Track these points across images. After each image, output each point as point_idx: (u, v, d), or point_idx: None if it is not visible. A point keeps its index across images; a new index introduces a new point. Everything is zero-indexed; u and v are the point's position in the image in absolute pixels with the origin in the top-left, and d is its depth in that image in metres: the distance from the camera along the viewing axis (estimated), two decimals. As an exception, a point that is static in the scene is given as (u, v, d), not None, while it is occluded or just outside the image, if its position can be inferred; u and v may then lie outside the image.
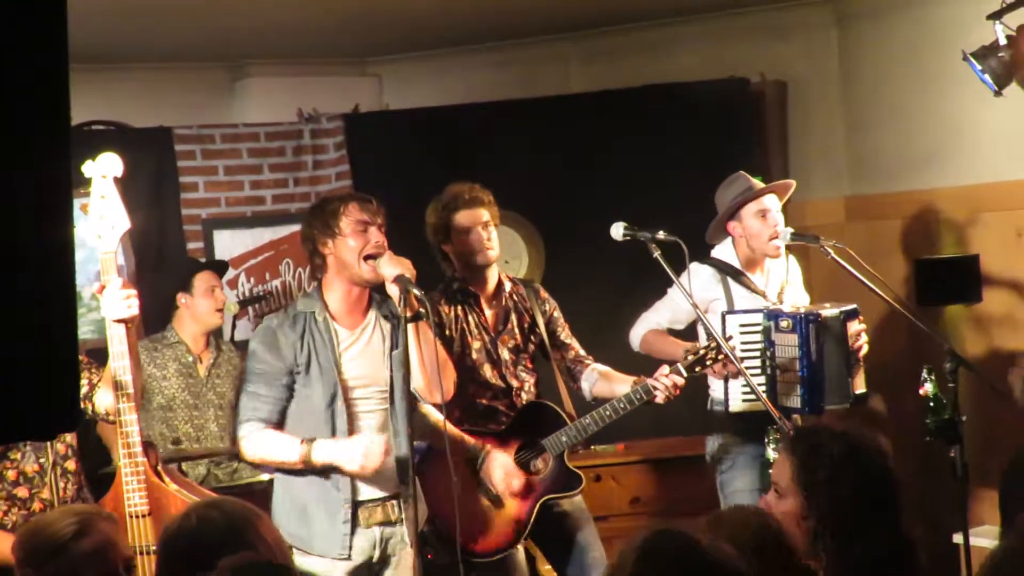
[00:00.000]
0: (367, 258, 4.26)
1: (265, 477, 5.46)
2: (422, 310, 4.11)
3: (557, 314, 5.14)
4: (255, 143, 7.04)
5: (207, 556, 2.70)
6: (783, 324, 5.01)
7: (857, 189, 6.87)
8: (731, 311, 5.13)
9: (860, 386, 5.07)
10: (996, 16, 5.24)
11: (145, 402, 5.59)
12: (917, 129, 6.41)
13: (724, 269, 5.26)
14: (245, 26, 6.61)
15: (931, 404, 4.90)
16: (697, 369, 4.82)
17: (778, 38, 7.02)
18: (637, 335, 5.33)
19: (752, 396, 4.86)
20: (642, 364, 5.23)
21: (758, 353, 5.01)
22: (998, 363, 5.83)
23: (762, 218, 5.22)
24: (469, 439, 4.77)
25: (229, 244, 6.95)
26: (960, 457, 4.93)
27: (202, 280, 5.89)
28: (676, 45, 7.12)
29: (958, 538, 5.26)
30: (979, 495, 5.78)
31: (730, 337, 4.95)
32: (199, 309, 5.87)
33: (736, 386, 5.05)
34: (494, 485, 4.79)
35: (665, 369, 4.80)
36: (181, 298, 5.89)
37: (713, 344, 4.77)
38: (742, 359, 4.83)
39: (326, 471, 4.27)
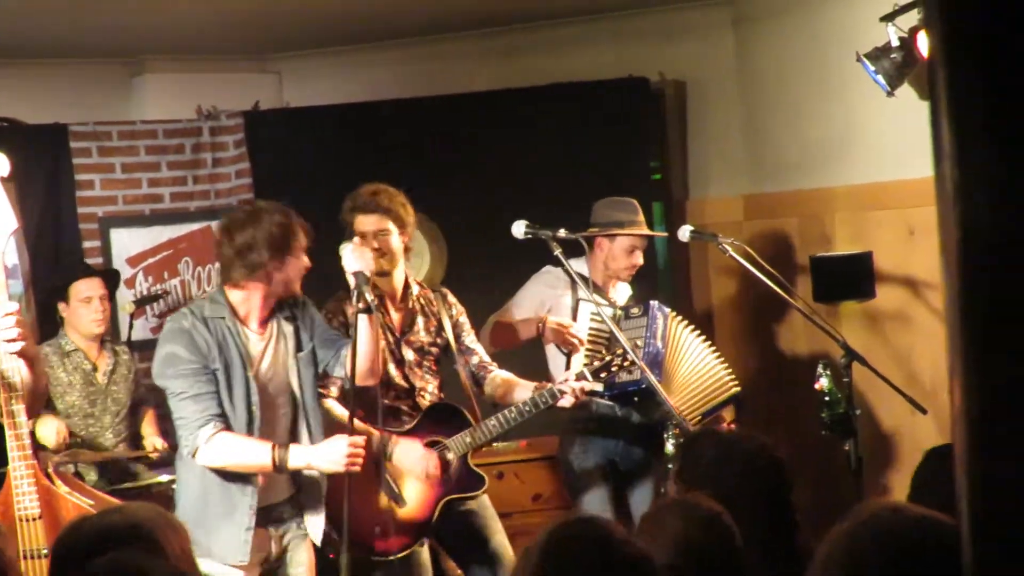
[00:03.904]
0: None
1: (164, 479, 5.40)
2: (371, 305, 4.19)
3: (463, 319, 5.17)
4: (153, 140, 6.95)
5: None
6: (634, 311, 5.27)
7: (755, 187, 6.97)
8: (583, 299, 5.29)
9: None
10: (889, 18, 5.35)
11: (47, 407, 5.50)
12: (813, 128, 6.52)
13: (581, 281, 5.38)
14: (143, 21, 6.52)
15: (826, 399, 4.99)
16: (603, 375, 4.92)
17: (677, 38, 7.09)
18: (485, 334, 5.36)
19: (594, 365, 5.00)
20: (543, 369, 5.28)
21: (605, 341, 5.17)
22: (891, 356, 5.95)
23: (630, 253, 5.44)
24: (374, 431, 4.76)
25: (127, 243, 6.85)
26: (854, 450, 5.03)
27: (79, 289, 5.75)
28: (578, 44, 7.16)
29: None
30: (873, 488, 5.89)
31: (635, 343, 5.04)
32: (76, 319, 5.74)
33: (577, 360, 5.15)
34: (410, 470, 4.80)
35: (571, 374, 4.89)
36: (61, 306, 5.78)
37: (620, 350, 4.85)
38: (587, 342, 5.11)
39: (234, 476, 4.24)
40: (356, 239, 4.43)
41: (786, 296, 5.22)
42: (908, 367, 5.90)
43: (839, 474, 5.27)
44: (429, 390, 5.04)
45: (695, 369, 5.40)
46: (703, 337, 5.48)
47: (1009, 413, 1.04)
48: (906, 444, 6.01)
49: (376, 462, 4.76)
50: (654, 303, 5.39)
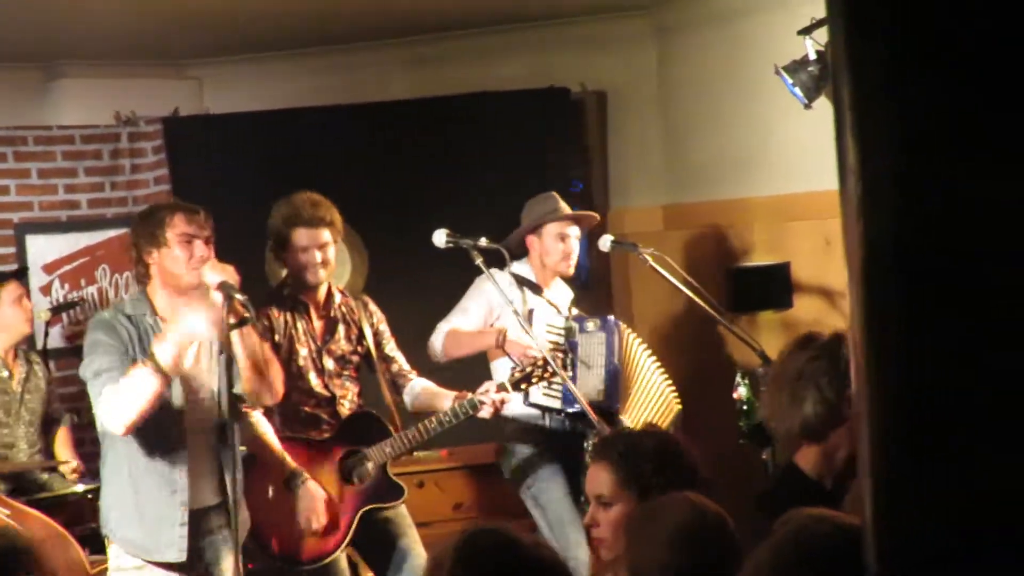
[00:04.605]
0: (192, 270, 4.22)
1: (80, 488, 5.34)
2: (247, 315, 4.08)
3: (384, 327, 5.17)
4: (70, 146, 6.86)
5: None
6: (589, 326, 5.21)
7: (674, 198, 7.02)
8: (537, 310, 5.25)
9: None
10: (806, 32, 5.43)
11: None
12: (731, 139, 6.59)
13: (521, 281, 5.36)
14: (60, 25, 6.44)
15: (744, 408, 5.06)
16: (523, 386, 4.92)
17: (598, 49, 7.13)
18: (439, 342, 5.30)
19: (551, 393, 5.01)
20: (465, 378, 5.28)
21: (561, 354, 5.13)
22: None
23: (561, 240, 5.38)
24: (290, 461, 4.74)
25: (43, 249, 6.76)
26: (772, 459, 5.09)
27: (9, 291, 5.70)
28: (500, 54, 7.18)
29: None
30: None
31: (554, 349, 5.01)
32: (8, 320, 5.68)
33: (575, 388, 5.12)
34: (298, 517, 4.75)
35: (491, 385, 4.89)
36: None
37: (541, 361, 4.86)
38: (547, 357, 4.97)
39: (167, 470, 4.18)
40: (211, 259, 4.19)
41: (705, 306, 5.28)
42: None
43: (757, 482, 5.32)
44: (349, 398, 5.03)
45: (647, 387, 5.42)
46: (650, 352, 5.50)
47: (909, 419, 1.07)
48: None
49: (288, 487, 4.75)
50: (611, 318, 5.37)
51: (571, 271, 5.47)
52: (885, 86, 1.09)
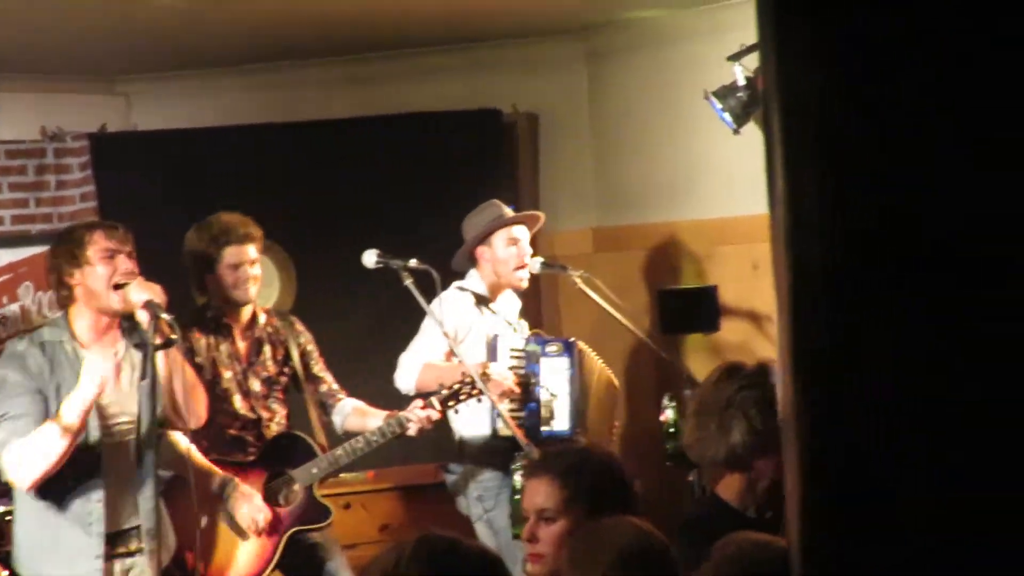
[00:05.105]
0: (116, 287, 4.14)
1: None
2: (173, 336, 4.04)
3: (312, 347, 5.13)
4: (-6, 161, 6.76)
5: None
6: (551, 349, 5.17)
7: (604, 220, 7.06)
8: (500, 335, 5.21)
9: None
10: (735, 58, 5.49)
11: None
12: (661, 163, 6.64)
13: (479, 299, 5.34)
14: (-16, 39, 6.35)
15: (671, 430, 5.08)
16: (451, 404, 4.89)
17: (531, 71, 7.15)
18: (411, 378, 5.17)
19: (519, 421, 4.97)
20: (395, 398, 5.25)
21: (524, 378, 5.11)
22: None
23: (512, 245, 5.32)
24: (218, 471, 4.69)
25: (-36, 265, 6.66)
26: (698, 481, 5.12)
27: None
28: (433, 74, 7.17)
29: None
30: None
31: (484, 372, 4.95)
32: None
33: (504, 409, 5.07)
34: (239, 522, 4.71)
35: (419, 403, 4.86)
36: None
37: (468, 379, 4.84)
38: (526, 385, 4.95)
39: (80, 501, 4.11)
40: (137, 278, 4.16)
41: (633, 328, 5.30)
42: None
43: (684, 505, 5.35)
44: (276, 420, 4.98)
45: (598, 408, 5.42)
46: (597, 373, 5.48)
47: (836, 445, 1.08)
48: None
49: (219, 496, 4.70)
50: (572, 339, 5.33)
51: (525, 284, 5.39)
52: (815, 113, 1.10)
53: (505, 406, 4.99)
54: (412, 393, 5.18)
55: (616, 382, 5.54)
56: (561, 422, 5.12)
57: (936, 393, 1.06)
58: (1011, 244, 1.03)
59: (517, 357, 5.18)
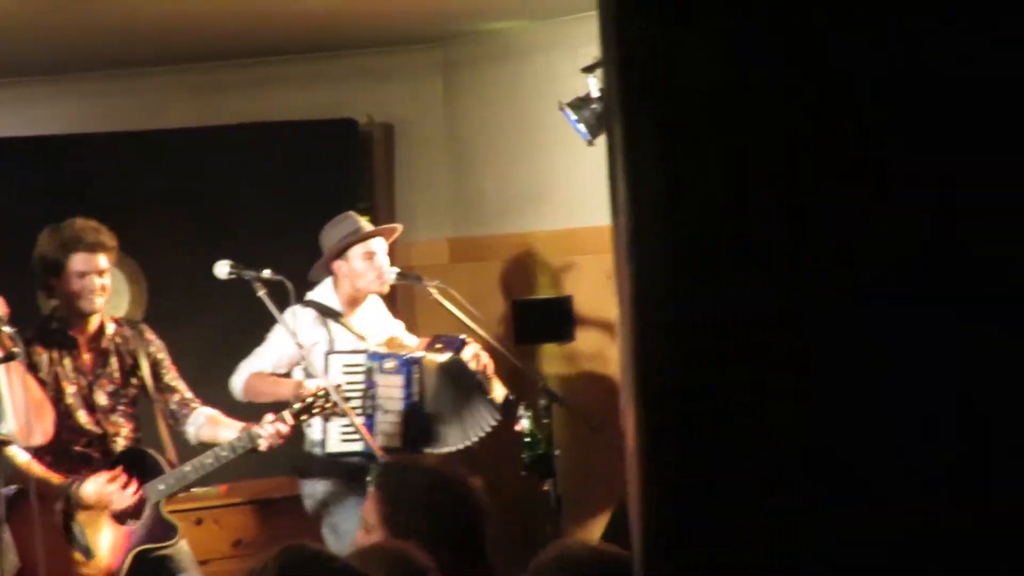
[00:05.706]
0: None
1: None
2: (15, 350, 3.93)
3: (163, 356, 5.03)
4: None
5: None
6: (387, 365, 5.15)
7: (460, 231, 7.06)
8: (334, 351, 5.18)
9: (498, 398, 5.24)
10: (589, 70, 5.53)
11: None
12: (516, 174, 6.67)
13: (325, 311, 5.30)
14: None
15: (527, 440, 5.11)
16: (304, 417, 4.85)
17: (386, 81, 7.13)
18: (239, 382, 5.22)
19: (350, 437, 4.95)
20: (247, 407, 5.19)
21: (360, 393, 5.07)
22: (589, 397, 6.12)
23: (369, 260, 5.31)
24: (55, 477, 4.57)
25: None
26: (554, 490, 5.16)
27: None
28: (287, 84, 7.11)
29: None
30: (573, 527, 6.03)
31: (339, 386, 4.94)
32: None
33: (335, 427, 5.08)
34: (93, 503, 4.60)
35: (270, 416, 4.80)
36: None
37: (322, 392, 4.80)
38: (346, 399, 4.89)
39: None
40: None
41: (489, 339, 5.31)
42: (608, 406, 6.07)
43: (539, 514, 5.37)
44: (123, 435, 4.87)
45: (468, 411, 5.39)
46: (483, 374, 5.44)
47: (672, 454, 1.09)
48: (603, 484, 6.17)
49: (64, 512, 4.58)
50: (463, 337, 5.30)
51: (386, 288, 5.39)
52: (658, 134, 1.11)
53: (359, 419, 4.95)
54: (243, 400, 5.20)
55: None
56: (394, 438, 5.10)
57: (786, 411, 1.07)
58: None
59: (351, 373, 5.15)
